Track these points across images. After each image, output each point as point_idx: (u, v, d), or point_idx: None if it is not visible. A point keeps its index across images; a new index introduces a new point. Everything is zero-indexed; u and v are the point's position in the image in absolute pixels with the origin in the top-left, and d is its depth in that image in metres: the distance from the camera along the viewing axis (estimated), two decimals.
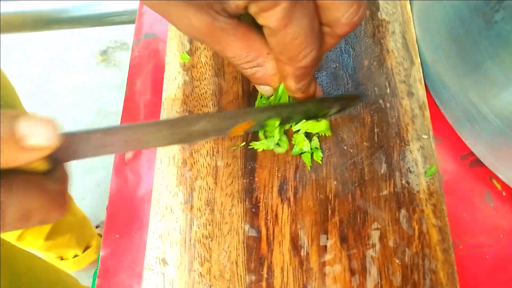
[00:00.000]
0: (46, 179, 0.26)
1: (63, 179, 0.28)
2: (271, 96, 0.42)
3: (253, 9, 0.29)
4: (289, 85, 0.37)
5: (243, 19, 0.34)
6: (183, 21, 0.31)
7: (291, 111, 0.40)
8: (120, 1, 0.92)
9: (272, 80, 0.39)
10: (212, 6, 0.31)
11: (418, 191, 0.43)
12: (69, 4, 0.99)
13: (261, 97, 0.45)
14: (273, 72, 0.38)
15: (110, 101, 2.01)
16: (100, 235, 1.56)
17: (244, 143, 0.45)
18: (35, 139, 0.23)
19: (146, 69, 0.53)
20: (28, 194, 0.25)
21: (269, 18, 0.29)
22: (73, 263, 1.47)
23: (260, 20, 0.30)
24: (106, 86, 2.05)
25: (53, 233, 1.28)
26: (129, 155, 0.48)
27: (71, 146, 0.27)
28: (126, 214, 0.45)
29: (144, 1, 0.34)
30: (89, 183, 1.80)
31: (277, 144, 0.44)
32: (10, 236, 1.16)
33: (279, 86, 0.40)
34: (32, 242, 1.26)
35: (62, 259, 1.47)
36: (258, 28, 0.34)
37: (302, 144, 0.44)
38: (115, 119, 1.95)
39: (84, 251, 1.48)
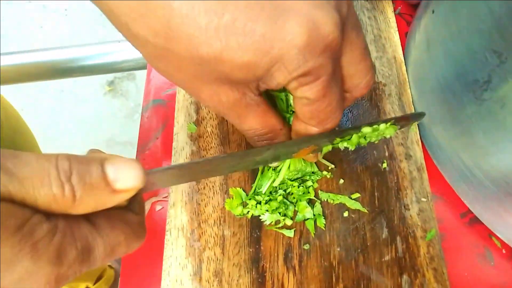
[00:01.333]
0: (127, 212, 0.27)
1: (141, 209, 0.29)
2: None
3: (293, 85, 0.31)
4: (309, 132, 0.37)
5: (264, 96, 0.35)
6: (212, 98, 0.32)
7: (344, 134, 0.40)
8: (126, 50, 0.95)
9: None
10: (249, 84, 0.32)
11: (419, 255, 0.44)
12: (72, 54, 1.01)
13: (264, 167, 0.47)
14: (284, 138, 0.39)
15: (118, 131, 2.04)
16: (110, 266, 1.57)
17: (248, 214, 0.47)
18: (125, 182, 0.24)
19: (155, 135, 0.55)
20: (114, 230, 0.25)
21: (309, 91, 0.30)
22: None
23: (298, 93, 0.31)
24: (114, 116, 2.10)
25: None
26: None
27: (149, 181, 0.28)
28: (137, 284, 0.47)
29: (174, 81, 0.34)
30: None
31: (284, 215, 0.46)
32: None
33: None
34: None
35: None
36: (273, 107, 0.36)
37: (304, 211, 0.46)
38: (124, 149, 1.98)
39: (95, 283, 1.49)
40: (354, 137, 0.38)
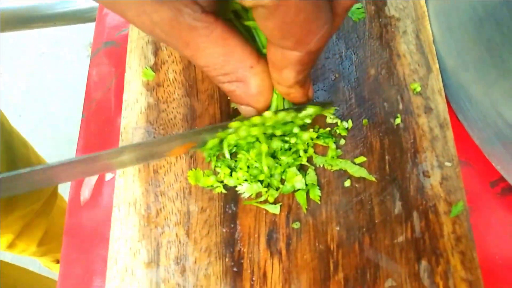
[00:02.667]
0: None
1: None
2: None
3: None
4: (288, 78, 0.28)
5: (222, 18, 0.26)
6: (141, 18, 0.25)
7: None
8: None
9: (256, 101, 0.31)
10: None
11: (442, 236, 0.34)
12: (51, 1, 0.91)
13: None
14: (258, 90, 0.30)
15: None
16: None
17: (220, 186, 0.36)
18: None
19: (107, 86, 0.44)
20: None
21: None
22: None
23: (250, 2, 0.22)
24: None
25: (47, 238, 1.22)
26: (85, 195, 0.39)
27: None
28: (82, 272, 0.37)
29: None
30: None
31: (267, 185, 0.35)
32: (1, 244, 1.10)
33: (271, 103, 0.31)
34: (24, 249, 1.20)
35: (58, 262, 1.42)
36: (238, 33, 0.27)
37: (294, 180, 0.36)
38: None
39: None
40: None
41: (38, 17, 0.91)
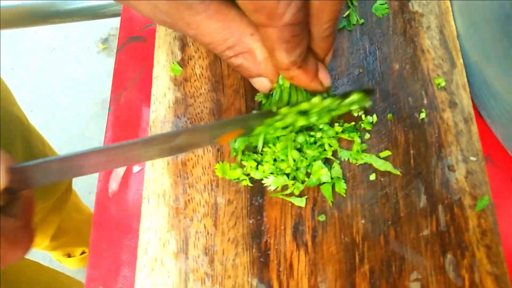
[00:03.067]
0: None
1: (24, 212, 0.24)
2: (270, 92, 0.34)
3: None
4: (281, 60, 0.28)
5: None
6: (143, 3, 0.26)
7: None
8: None
9: (265, 68, 0.31)
10: None
11: (467, 229, 0.35)
12: None
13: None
14: (263, 56, 0.30)
15: None
16: None
17: (247, 179, 0.36)
18: None
19: (133, 80, 0.45)
20: None
21: None
22: (80, 260, 1.43)
23: None
24: (108, 76, 1.98)
25: (60, 233, 1.24)
26: (113, 187, 0.40)
27: (27, 176, 0.25)
28: (110, 263, 0.38)
29: None
30: (95, 176, 1.75)
31: (293, 181, 0.36)
32: None
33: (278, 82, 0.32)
34: (38, 243, 1.22)
35: (69, 256, 1.44)
36: (234, 5, 0.27)
37: (320, 173, 0.36)
38: None
39: None
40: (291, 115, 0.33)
41: (56, 13, 0.92)
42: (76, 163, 0.28)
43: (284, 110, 0.32)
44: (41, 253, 1.24)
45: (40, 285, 0.92)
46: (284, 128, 0.34)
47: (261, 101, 0.36)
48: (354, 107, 0.36)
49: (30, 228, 0.25)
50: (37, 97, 1.97)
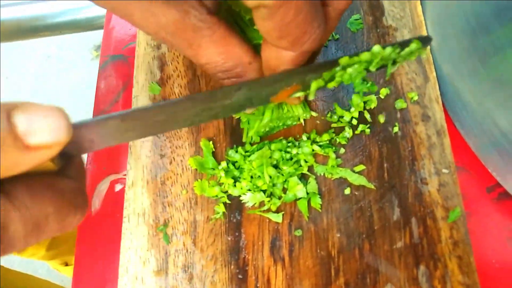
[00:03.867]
0: (58, 178, 0.22)
1: (79, 175, 0.24)
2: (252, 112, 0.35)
3: None
4: None
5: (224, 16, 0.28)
6: (148, 19, 0.26)
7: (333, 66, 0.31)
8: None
9: None
10: None
11: (440, 241, 0.36)
12: (51, 9, 0.92)
13: (247, 131, 0.38)
14: None
15: None
16: None
17: (225, 196, 0.37)
18: (40, 136, 0.19)
19: (115, 98, 0.45)
20: (36, 201, 0.21)
21: None
22: None
23: (253, 3, 0.24)
24: None
25: (55, 242, 1.24)
26: (96, 205, 0.41)
27: (84, 137, 0.23)
28: (95, 280, 0.39)
29: (98, 1, 0.27)
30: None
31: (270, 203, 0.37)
32: None
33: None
34: (34, 253, 1.22)
35: (67, 264, 1.44)
36: (237, 33, 0.29)
37: (295, 189, 0.37)
38: None
39: None
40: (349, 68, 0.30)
41: (44, 27, 0.93)
42: (136, 122, 0.25)
43: (344, 59, 0.30)
44: (39, 262, 1.25)
45: None
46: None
47: (239, 117, 0.37)
48: (413, 57, 0.35)
49: (85, 192, 0.25)
50: None
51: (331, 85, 0.31)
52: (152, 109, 0.25)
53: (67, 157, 0.23)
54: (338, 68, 0.30)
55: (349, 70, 0.31)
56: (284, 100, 0.32)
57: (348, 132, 0.39)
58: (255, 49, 0.31)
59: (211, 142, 0.39)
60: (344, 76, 0.31)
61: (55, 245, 1.27)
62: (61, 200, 0.22)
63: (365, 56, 0.30)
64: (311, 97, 0.30)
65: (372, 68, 0.32)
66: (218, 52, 0.28)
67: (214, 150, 0.39)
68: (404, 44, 0.32)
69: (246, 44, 0.29)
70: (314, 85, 0.30)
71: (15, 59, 2.14)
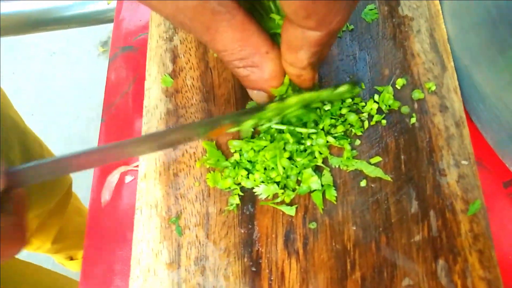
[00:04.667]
0: None
1: (19, 209, 0.25)
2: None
3: None
4: (302, 59, 0.29)
5: (242, 4, 0.27)
6: (166, 4, 0.26)
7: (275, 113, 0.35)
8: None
9: (269, 85, 0.32)
10: None
11: (460, 234, 0.34)
12: (55, 4, 0.92)
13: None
14: (272, 75, 0.31)
15: None
16: None
17: (238, 188, 0.37)
18: None
19: (125, 90, 0.45)
20: None
21: None
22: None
23: None
24: None
25: (61, 236, 1.25)
26: (106, 197, 0.40)
27: (22, 177, 0.26)
28: (103, 272, 0.38)
29: None
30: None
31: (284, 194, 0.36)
32: None
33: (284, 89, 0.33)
34: (39, 246, 1.23)
35: (72, 259, 1.44)
36: (255, 21, 0.28)
37: (310, 181, 0.36)
38: None
39: None
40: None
41: (51, 20, 0.92)
42: (69, 163, 0.29)
43: (273, 105, 0.33)
44: (44, 256, 1.25)
45: (42, 287, 0.93)
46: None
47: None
48: (347, 96, 0.37)
49: (23, 225, 0.25)
50: (38, 101, 1.98)
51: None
52: (84, 155, 0.29)
53: (6, 192, 0.25)
54: (267, 111, 0.33)
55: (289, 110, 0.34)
56: (216, 136, 0.38)
57: (363, 123, 0.38)
58: (273, 38, 0.31)
59: (214, 142, 0.38)
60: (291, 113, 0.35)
61: (60, 239, 1.27)
62: None
63: (291, 100, 0.33)
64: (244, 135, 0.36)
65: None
66: (236, 39, 0.28)
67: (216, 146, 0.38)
68: (336, 86, 0.35)
69: (264, 32, 0.29)
70: (248, 124, 0.34)
71: (21, 55, 2.15)
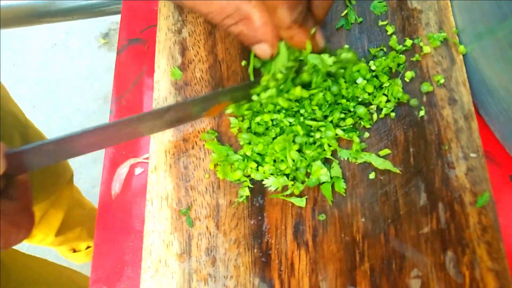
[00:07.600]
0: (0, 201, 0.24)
1: (23, 195, 0.25)
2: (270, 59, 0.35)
3: None
4: (283, 18, 0.30)
5: None
6: None
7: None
8: None
9: (264, 33, 0.33)
10: None
11: (468, 226, 0.35)
12: None
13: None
14: (262, 21, 0.32)
15: None
16: None
17: (247, 180, 0.37)
18: None
19: (134, 82, 0.45)
20: None
21: None
22: (85, 254, 1.45)
23: None
24: (109, 71, 1.99)
25: (63, 228, 1.25)
26: (116, 189, 0.41)
27: (23, 160, 0.26)
28: (114, 263, 0.38)
29: None
30: (98, 171, 1.76)
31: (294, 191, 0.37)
32: None
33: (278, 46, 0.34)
34: (43, 239, 1.24)
35: (75, 251, 1.45)
36: None
37: (319, 173, 0.36)
38: None
39: None
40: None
41: (55, 12, 0.92)
42: (70, 144, 0.29)
43: (265, 77, 0.34)
44: (47, 249, 1.26)
45: (47, 280, 0.93)
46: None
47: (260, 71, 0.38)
48: (353, 61, 0.37)
49: (29, 210, 0.26)
50: (39, 93, 1.98)
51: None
52: (83, 135, 0.29)
53: (8, 178, 0.25)
54: (260, 88, 0.35)
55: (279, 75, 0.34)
56: (216, 114, 0.38)
57: (372, 116, 0.38)
58: None
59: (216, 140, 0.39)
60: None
61: (63, 231, 1.28)
62: (4, 221, 0.23)
63: (281, 55, 0.34)
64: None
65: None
66: None
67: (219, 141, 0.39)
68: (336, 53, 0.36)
69: None
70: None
71: (22, 46, 2.14)
